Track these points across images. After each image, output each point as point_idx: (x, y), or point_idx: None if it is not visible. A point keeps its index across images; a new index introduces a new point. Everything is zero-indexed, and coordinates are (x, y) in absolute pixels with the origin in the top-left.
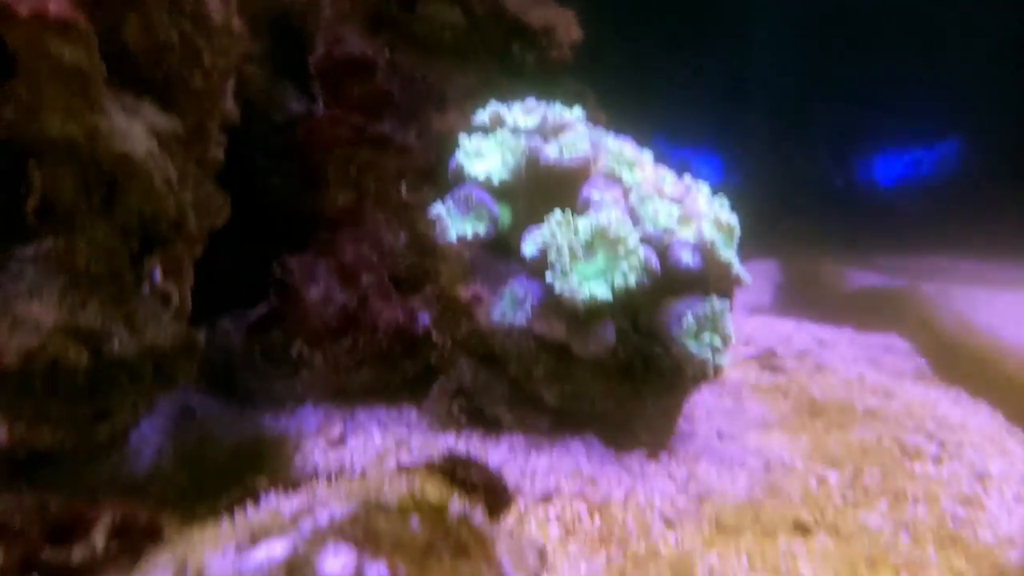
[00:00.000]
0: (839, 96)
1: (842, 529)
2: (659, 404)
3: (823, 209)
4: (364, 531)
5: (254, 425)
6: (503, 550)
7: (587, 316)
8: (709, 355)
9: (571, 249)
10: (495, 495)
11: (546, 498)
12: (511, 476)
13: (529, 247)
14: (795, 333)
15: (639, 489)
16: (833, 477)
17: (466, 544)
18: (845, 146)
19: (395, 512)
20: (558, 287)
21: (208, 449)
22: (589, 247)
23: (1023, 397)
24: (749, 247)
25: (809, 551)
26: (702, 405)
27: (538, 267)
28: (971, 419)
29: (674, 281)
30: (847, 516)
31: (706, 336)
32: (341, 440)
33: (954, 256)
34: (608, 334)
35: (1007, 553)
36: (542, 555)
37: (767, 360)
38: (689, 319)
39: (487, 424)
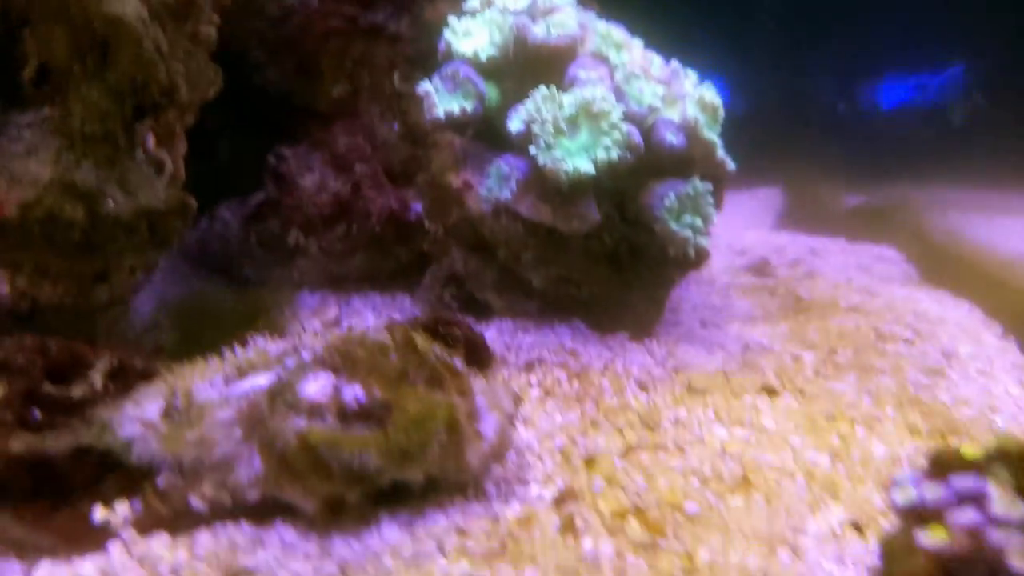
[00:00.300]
0: (843, 20)
1: (807, 392)
2: (645, 292)
3: (826, 135)
4: (342, 359)
5: (251, 302)
6: (479, 390)
7: (570, 191)
8: (690, 234)
9: (555, 123)
10: (476, 351)
11: (528, 366)
12: (496, 350)
13: (515, 122)
14: (789, 244)
15: (618, 361)
16: (808, 356)
17: (441, 377)
18: (848, 71)
19: (374, 347)
20: (542, 160)
21: (205, 317)
22: (573, 122)
23: (1003, 294)
24: (752, 174)
25: (773, 408)
26: (689, 301)
27: (523, 142)
28: (950, 314)
29: (658, 162)
30: (815, 384)
31: (687, 217)
32: (336, 322)
33: (956, 181)
34: (591, 211)
35: (961, 411)
36: (517, 399)
37: (760, 268)
38: (671, 198)
39: (478, 309)
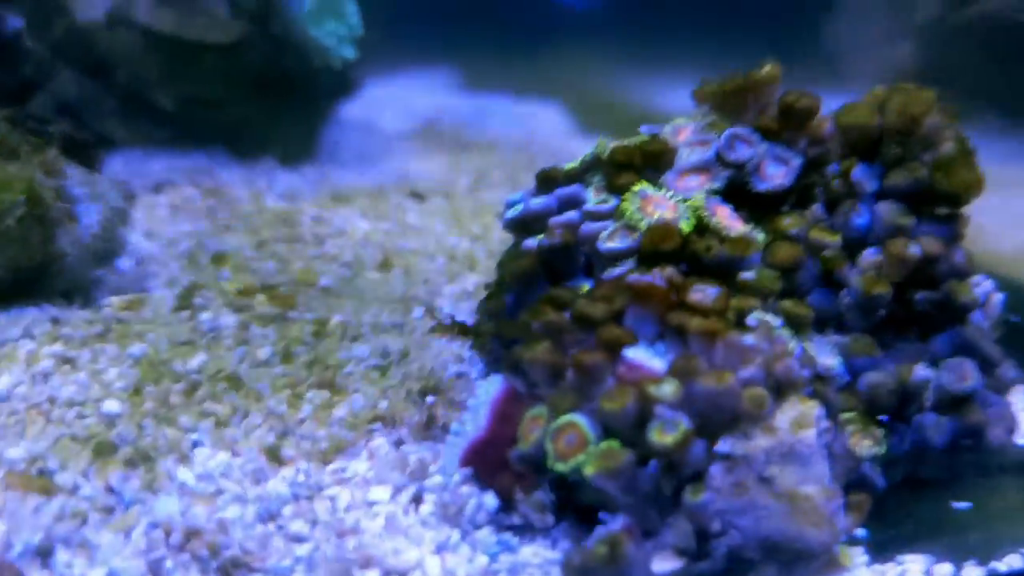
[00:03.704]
0: None
1: (456, 197)
2: (296, 120)
3: None
4: None
5: None
6: (77, 180)
7: None
8: (333, 42)
9: None
10: (78, 148)
11: (158, 188)
12: (120, 176)
13: None
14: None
15: (260, 180)
16: (464, 179)
17: (18, 151)
18: None
19: None
20: None
21: None
22: None
23: None
24: None
25: (421, 209)
26: (350, 145)
27: None
28: None
29: None
30: (467, 195)
31: (330, 23)
32: None
33: None
34: (218, 7)
35: None
36: (128, 197)
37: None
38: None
39: (98, 142)
